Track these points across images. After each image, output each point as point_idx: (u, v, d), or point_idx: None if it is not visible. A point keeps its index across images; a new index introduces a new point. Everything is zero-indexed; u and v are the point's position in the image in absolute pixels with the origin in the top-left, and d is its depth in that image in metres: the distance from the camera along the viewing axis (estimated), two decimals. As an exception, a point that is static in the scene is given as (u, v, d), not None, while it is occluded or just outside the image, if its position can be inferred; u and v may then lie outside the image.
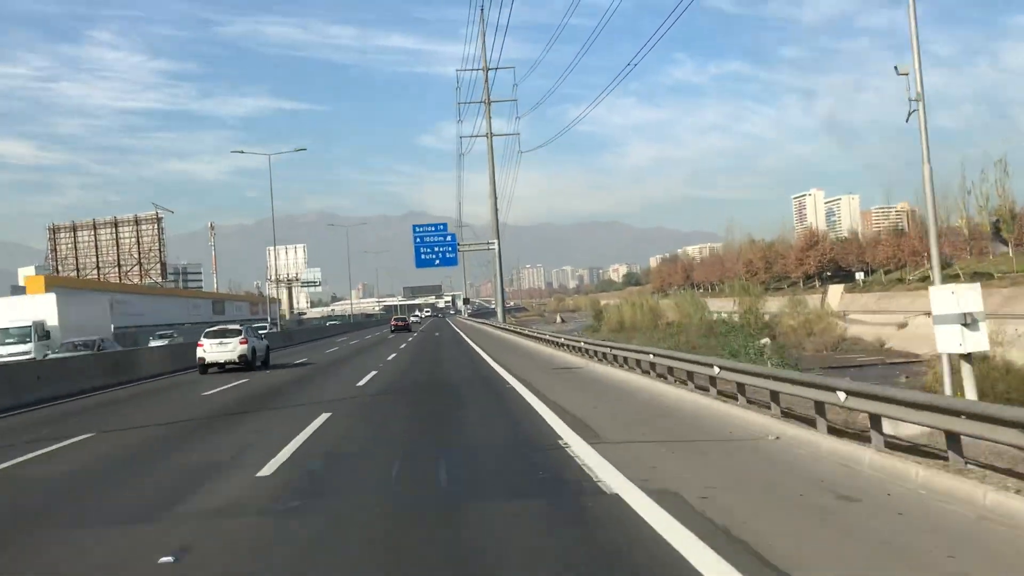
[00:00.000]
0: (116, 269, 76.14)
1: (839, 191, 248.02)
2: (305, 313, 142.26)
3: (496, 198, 54.01)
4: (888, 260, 70.66)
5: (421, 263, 54.17)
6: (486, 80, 53.15)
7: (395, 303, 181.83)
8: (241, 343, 24.91)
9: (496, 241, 54.06)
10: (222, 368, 24.85)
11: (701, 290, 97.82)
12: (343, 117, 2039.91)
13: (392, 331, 62.18)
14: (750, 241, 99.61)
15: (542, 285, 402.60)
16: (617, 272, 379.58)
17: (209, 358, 24.76)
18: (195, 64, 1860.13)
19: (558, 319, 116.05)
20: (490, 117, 53.63)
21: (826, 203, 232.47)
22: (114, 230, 76.84)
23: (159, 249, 75.95)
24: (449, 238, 54.96)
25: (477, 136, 57.93)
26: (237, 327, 26.92)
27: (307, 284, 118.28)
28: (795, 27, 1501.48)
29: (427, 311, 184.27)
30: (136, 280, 75.33)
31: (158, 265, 76.49)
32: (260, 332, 33.09)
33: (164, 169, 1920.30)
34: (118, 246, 76.31)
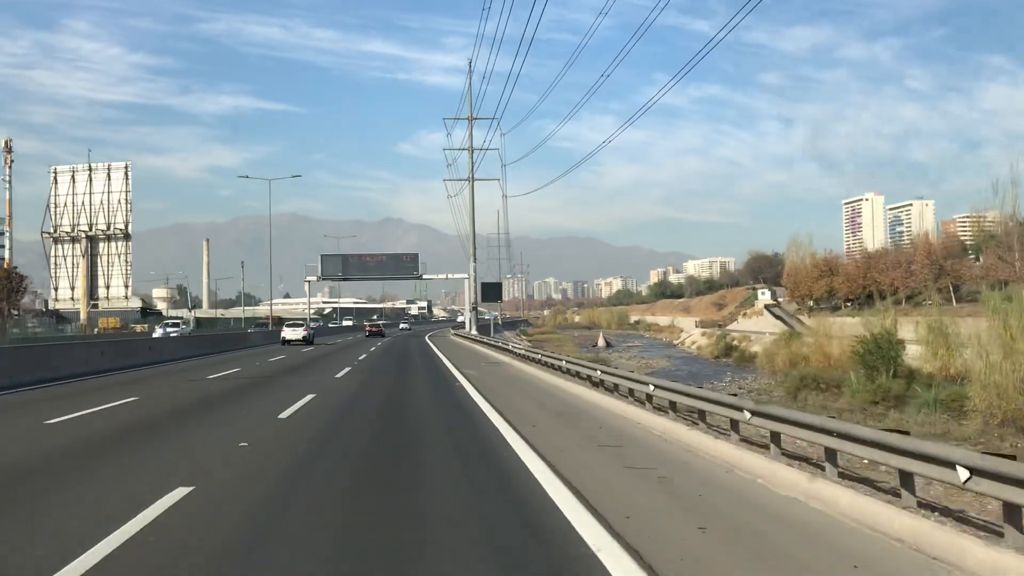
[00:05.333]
0: None
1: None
2: (176, 319, 70.47)
3: None
4: None
5: None
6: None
7: (326, 303, 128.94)
8: (304, 331, 47.70)
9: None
10: (290, 343, 45.03)
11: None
12: (321, 120, 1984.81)
13: (367, 336, 65.05)
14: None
15: (523, 296, 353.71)
16: (611, 286, 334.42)
17: (288, 337, 46.31)
18: (173, 59, 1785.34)
19: (600, 341, 74.23)
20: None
21: (889, 210, 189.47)
22: None
23: None
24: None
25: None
26: (302, 320, 55.68)
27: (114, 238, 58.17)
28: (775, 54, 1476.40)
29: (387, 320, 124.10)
30: None
31: None
32: None
33: (139, 163, 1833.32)
34: None
